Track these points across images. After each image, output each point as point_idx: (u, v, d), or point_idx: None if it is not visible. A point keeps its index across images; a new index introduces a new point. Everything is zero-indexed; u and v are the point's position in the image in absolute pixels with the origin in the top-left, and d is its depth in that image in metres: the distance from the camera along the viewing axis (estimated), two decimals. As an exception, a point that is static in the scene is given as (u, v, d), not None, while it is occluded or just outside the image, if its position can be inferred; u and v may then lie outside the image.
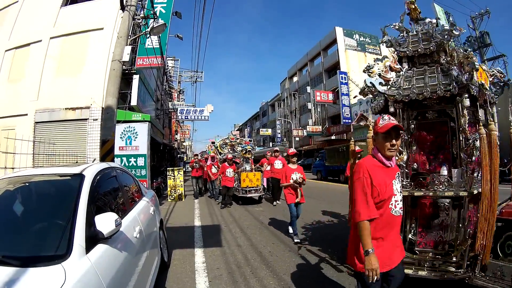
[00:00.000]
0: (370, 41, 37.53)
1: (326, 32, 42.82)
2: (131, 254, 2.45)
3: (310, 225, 6.92)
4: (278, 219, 7.79)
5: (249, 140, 15.23)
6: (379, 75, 3.71)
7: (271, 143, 52.88)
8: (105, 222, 2.03)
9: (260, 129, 60.10)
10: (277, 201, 10.23)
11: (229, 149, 12.92)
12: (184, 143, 52.01)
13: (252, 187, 10.32)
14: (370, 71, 3.75)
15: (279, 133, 52.09)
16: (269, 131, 56.04)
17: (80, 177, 2.46)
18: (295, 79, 50.69)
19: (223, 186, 10.08)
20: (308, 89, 40.29)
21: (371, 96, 3.89)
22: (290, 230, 5.99)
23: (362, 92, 3.85)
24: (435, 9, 19.30)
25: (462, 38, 19.72)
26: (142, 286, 2.64)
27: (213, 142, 13.84)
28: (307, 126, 39.92)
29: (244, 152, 11.50)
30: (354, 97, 32.48)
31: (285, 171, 6.04)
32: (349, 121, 32.11)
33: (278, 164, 10.28)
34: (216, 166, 11.71)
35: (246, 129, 79.87)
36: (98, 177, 2.64)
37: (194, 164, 12.37)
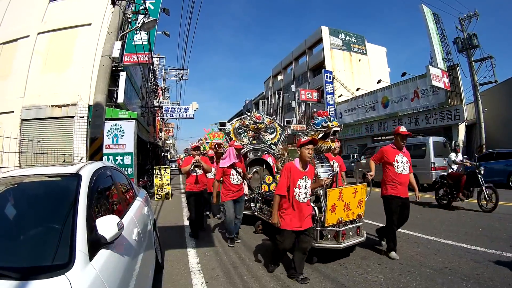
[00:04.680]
0: (355, 41, 37.89)
1: (312, 32, 43.02)
2: (132, 258, 2.33)
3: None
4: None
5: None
6: None
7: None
8: (107, 225, 1.89)
9: (245, 127, 59.73)
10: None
11: (250, 137, 7.48)
12: (167, 142, 51.35)
13: (351, 221, 4.43)
14: None
15: (263, 131, 52.01)
16: (253, 129, 55.88)
17: (77, 177, 2.32)
18: (279, 77, 50.70)
19: (285, 231, 3.73)
20: (293, 87, 40.26)
21: None
22: None
23: None
24: (423, 10, 19.30)
25: (450, 39, 19.99)
26: (143, 290, 2.53)
27: (222, 125, 7.55)
28: (291, 125, 39.97)
29: (324, 136, 4.73)
30: (339, 96, 32.80)
31: None
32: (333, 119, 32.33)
33: (402, 167, 4.58)
34: (237, 170, 5.53)
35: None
36: (95, 177, 2.52)
37: (191, 167, 6.02)
